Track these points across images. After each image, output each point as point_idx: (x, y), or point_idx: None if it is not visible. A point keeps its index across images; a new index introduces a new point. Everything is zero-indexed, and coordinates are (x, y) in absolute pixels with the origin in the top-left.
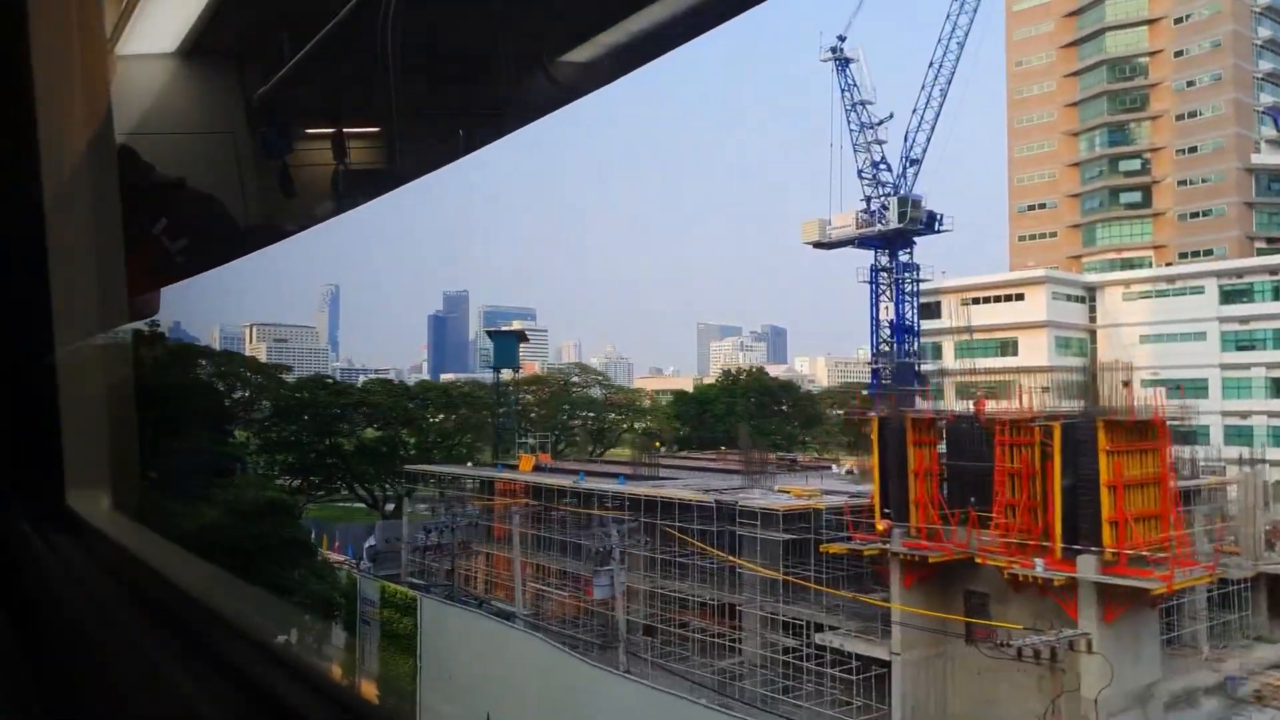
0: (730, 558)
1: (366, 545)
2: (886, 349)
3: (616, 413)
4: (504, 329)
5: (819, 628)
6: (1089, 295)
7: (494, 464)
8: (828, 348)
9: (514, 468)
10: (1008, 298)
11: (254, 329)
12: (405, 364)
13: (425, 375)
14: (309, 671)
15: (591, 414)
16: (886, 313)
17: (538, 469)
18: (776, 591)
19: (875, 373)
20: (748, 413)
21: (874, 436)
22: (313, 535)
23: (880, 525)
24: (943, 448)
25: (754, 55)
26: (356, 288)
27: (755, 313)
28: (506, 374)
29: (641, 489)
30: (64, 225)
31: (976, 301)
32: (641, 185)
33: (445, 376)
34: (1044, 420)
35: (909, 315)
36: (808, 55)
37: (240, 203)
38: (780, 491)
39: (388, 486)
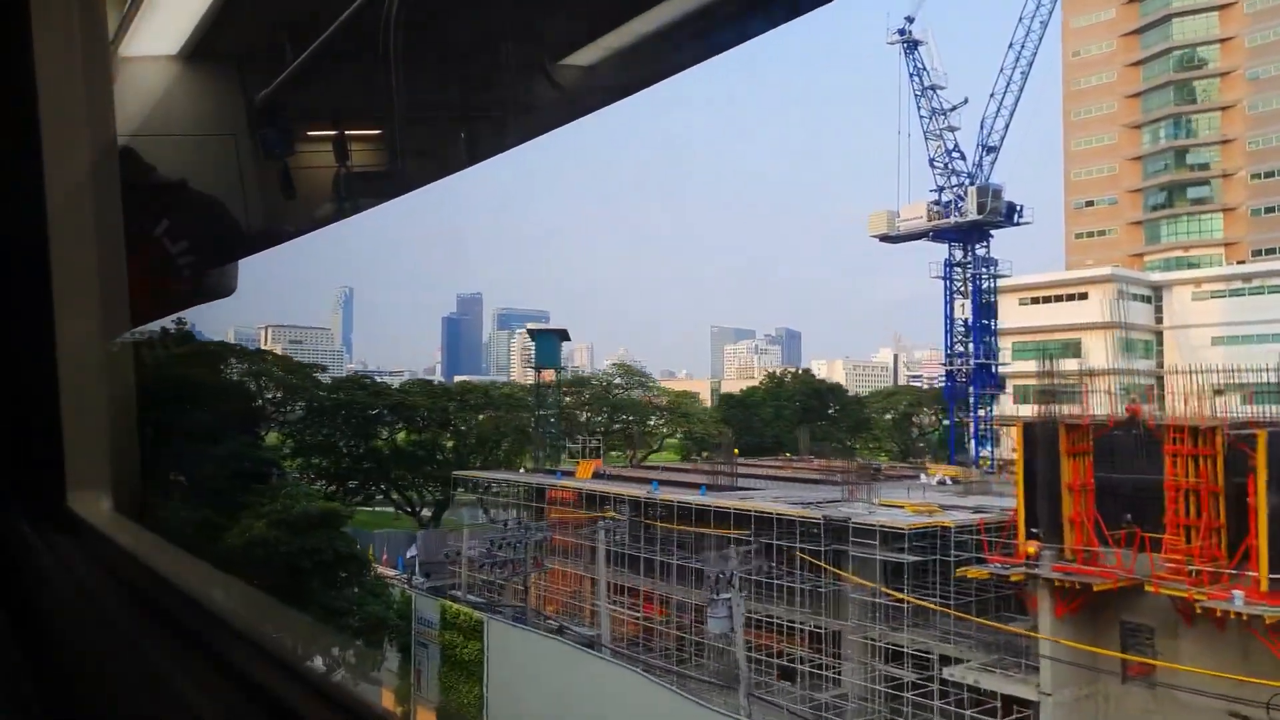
0: (866, 581)
1: (408, 555)
2: (961, 349)
3: (658, 416)
4: (545, 327)
5: (945, 660)
6: (1155, 295)
7: (551, 470)
8: (843, 351)
9: (568, 474)
10: (1069, 297)
11: (269, 330)
12: (419, 366)
13: (439, 377)
14: (311, 675)
15: (633, 417)
16: (961, 311)
17: (597, 476)
18: (891, 619)
19: (950, 375)
20: (796, 417)
21: (1018, 444)
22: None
23: (1029, 547)
24: None
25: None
26: (370, 290)
27: (768, 316)
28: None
29: (730, 501)
30: (66, 227)
31: (1035, 301)
32: (652, 188)
33: (458, 377)
34: (1234, 428)
35: (985, 313)
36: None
37: (243, 205)
38: (885, 505)
39: (426, 492)
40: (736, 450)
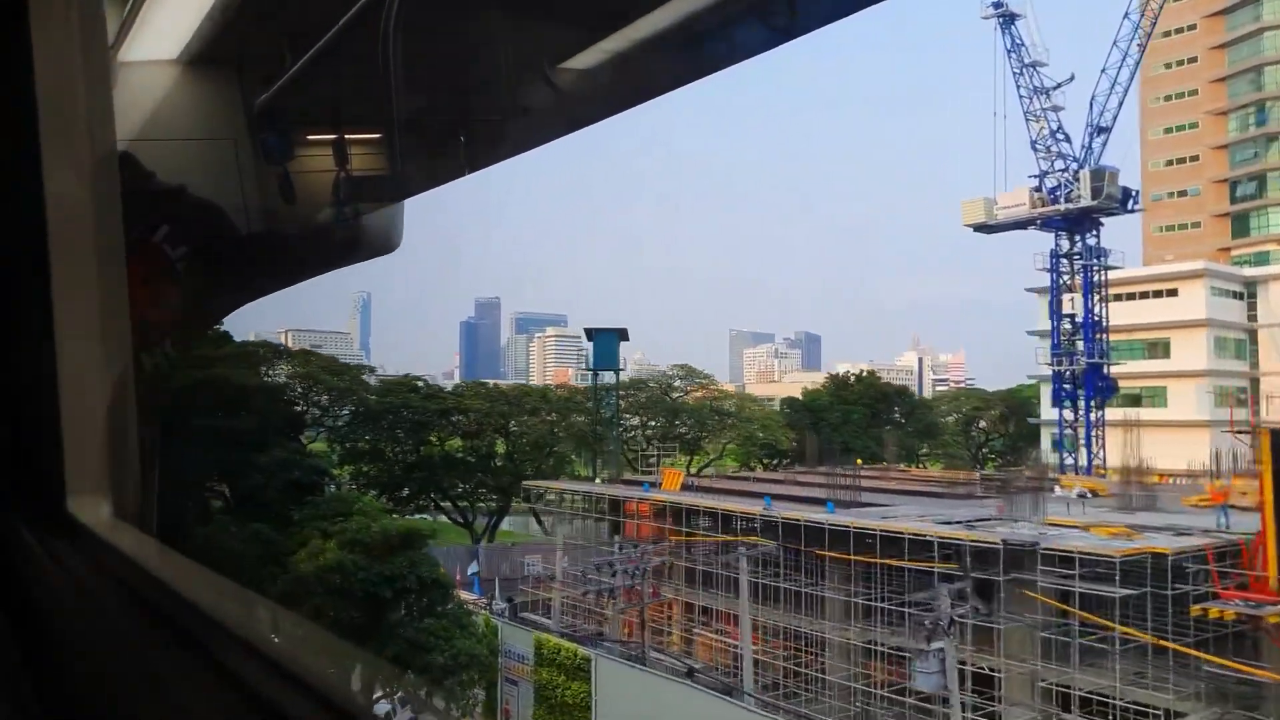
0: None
1: (469, 573)
2: (1069, 348)
3: (717, 420)
4: (604, 326)
5: (1172, 715)
6: (1248, 291)
7: (634, 480)
8: (862, 354)
9: (638, 482)
10: (1157, 293)
11: (290, 334)
12: (438, 370)
13: (458, 381)
14: (313, 681)
15: (693, 421)
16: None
17: (685, 488)
18: (1062, 657)
19: (1058, 376)
20: (864, 421)
21: (1264, 455)
22: None
23: None
24: None
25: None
26: (387, 293)
27: (786, 319)
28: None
29: (871, 522)
30: (65, 231)
31: (1119, 298)
32: (667, 190)
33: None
34: None
35: (1097, 308)
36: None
37: (244, 209)
38: (1054, 525)
39: (481, 502)
40: (861, 461)
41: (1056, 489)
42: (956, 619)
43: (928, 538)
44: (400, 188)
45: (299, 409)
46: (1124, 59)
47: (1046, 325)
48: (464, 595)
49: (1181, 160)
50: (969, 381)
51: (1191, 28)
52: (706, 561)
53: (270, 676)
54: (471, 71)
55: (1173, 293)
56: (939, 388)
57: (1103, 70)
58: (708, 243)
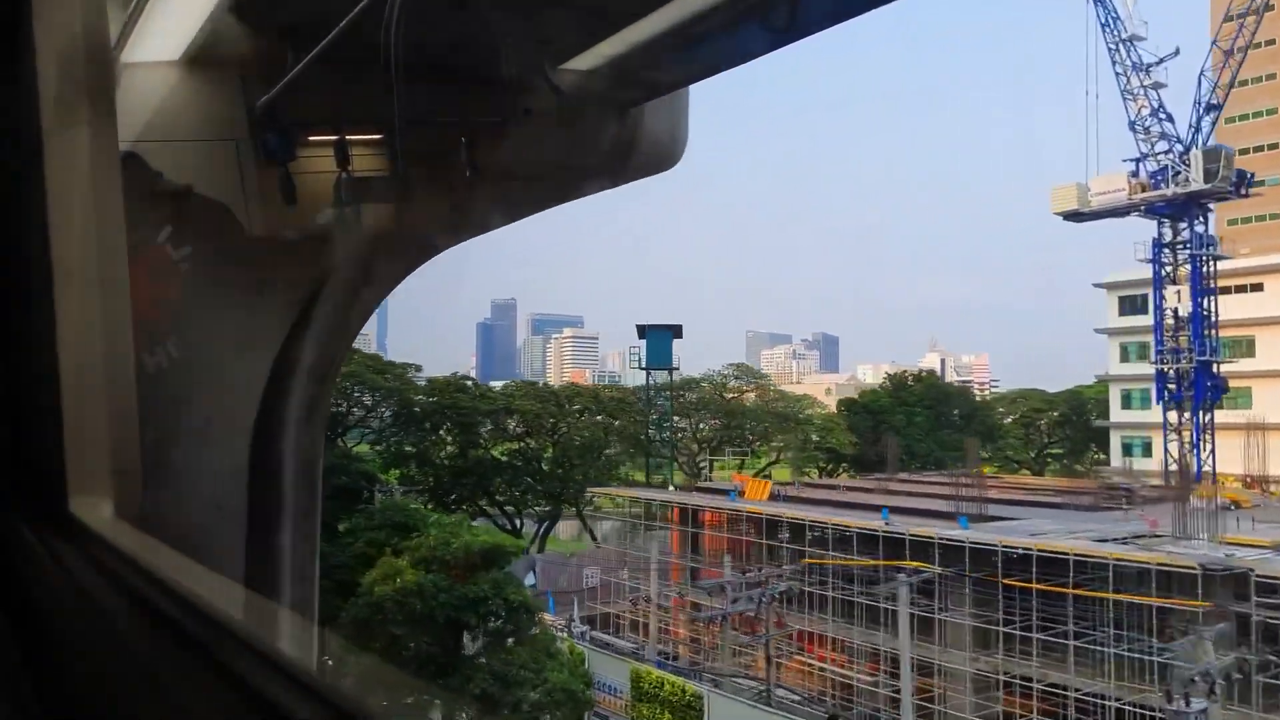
0: None
1: (526, 585)
2: (1175, 345)
3: (776, 423)
4: (656, 324)
5: None
6: None
7: (717, 487)
8: (876, 355)
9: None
10: (1240, 288)
11: None
12: (456, 371)
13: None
14: (312, 681)
15: (752, 423)
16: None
17: (773, 498)
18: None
19: (1161, 375)
20: (927, 424)
21: None
22: None
23: None
24: None
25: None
26: (402, 295)
27: (801, 320)
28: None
29: (1023, 540)
30: (68, 231)
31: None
32: (682, 191)
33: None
34: None
35: (1205, 301)
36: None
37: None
38: (1233, 543)
39: (529, 507)
40: (819, 465)
41: (1191, 499)
42: (1217, 674)
43: (1100, 559)
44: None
45: (339, 408)
46: (1239, 28)
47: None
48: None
49: (1260, 149)
50: (994, 384)
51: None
52: (836, 586)
53: (270, 676)
54: (472, 72)
55: (1258, 287)
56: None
57: (1212, 42)
58: (722, 243)
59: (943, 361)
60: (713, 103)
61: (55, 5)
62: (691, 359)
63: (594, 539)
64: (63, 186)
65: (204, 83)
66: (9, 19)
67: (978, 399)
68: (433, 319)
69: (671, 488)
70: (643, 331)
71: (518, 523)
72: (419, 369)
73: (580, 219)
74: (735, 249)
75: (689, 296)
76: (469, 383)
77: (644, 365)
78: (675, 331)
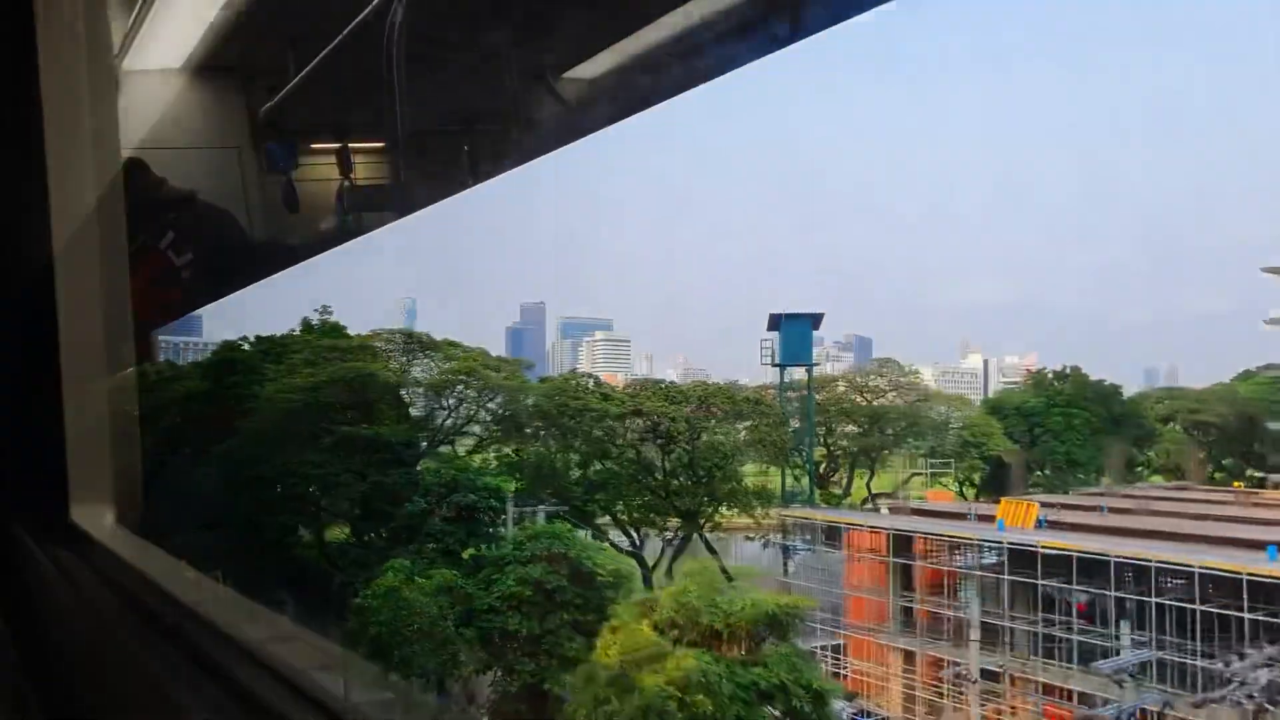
0: None
1: None
2: None
3: (930, 427)
4: (794, 312)
5: None
6: None
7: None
8: (914, 356)
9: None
10: None
11: None
12: (576, 367)
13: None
14: (308, 687)
15: (903, 427)
16: None
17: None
18: None
19: None
20: (1087, 428)
21: None
22: None
23: None
24: None
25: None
26: (431, 298)
27: (833, 321)
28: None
29: None
30: (71, 240)
31: None
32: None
33: None
34: None
35: None
36: None
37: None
38: None
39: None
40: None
41: None
42: None
43: None
44: (422, 195)
45: (448, 410)
46: None
47: None
48: None
49: None
50: (930, 388)
51: None
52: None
53: (268, 682)
54: (476, 78)
55: None
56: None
57: None
58: (741, 244)
59: (986, 362)
60: (742, 87)
61: (59, 13)
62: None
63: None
64: (66, 195)
65: (207, 90)
66: (14, 27)
67: (1127, 399)
68: (462, 323)
69: (883, 509)
70: (775, 321)
71: (639, 543)
72: (530, 365)
73: (591, 216)
74: (760, 251)
75: (713, 299)
76: (590, 381)
77: (777, 361)
78: (814, 321)
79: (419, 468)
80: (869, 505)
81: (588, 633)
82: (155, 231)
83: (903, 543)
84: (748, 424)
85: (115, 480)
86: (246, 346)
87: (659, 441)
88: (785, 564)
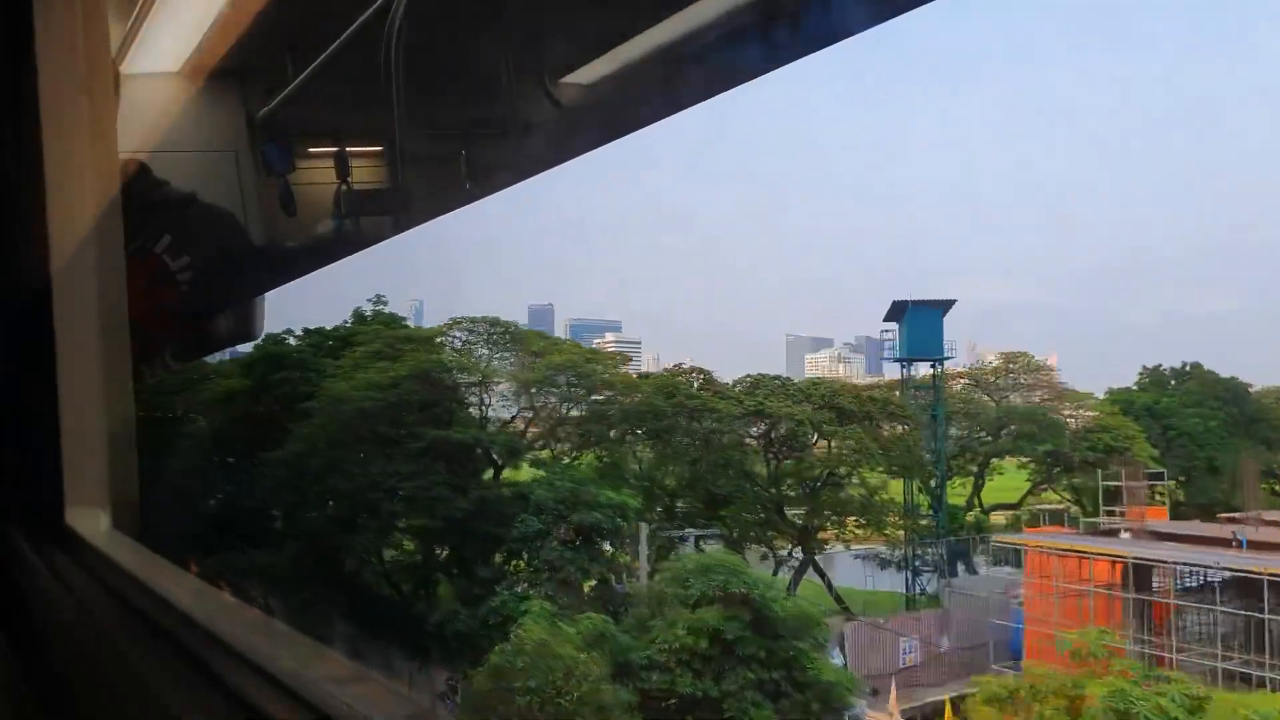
0: None
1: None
2: None
3: (1047, 429)
4: (920, 299)
5: None
6: None
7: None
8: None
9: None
10: None
11: None
12: (681, 362)
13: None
14: (306, 694)
15: (1036, 429)
16: None
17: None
18: None
19: None
20: (1223, 430)
21: None
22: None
23: None
24: None
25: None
26: (440, 300)
27: (841, 324)
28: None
29: None
30: (67, 243)
31: None
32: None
33: None
34: None
35: None
36: None
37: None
38: None
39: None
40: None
41: None
42: None
43: None
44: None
45: (540, 409)
46: None
47: None
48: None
49: None
50: (1063, 385)
51: None
52: None
53: (264, 688)
54: (475, 82)
55: None
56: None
57: None
58: (749, 244)
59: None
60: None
61: (57, 16)
62: (735, 367)
63: (829, 590)
64: (63, 199)
65: (204, 93)
66: (11, 29)
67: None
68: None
69: (1125, 533)
70: (897, 310)
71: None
72: (627, 359)
73: (596, 216)
74: (769, 249)
75: (719, 302)
76: (699, 377)
77: (900, 355)
78: (945, 307)
79: (526, 479)
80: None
81: (774, 695)
82: (152, 235)
83: (1141, 573)
84: (878, 426)
85: (112, 484)
86: (292, 340)
87: (783, 446)
88: (915, 586)
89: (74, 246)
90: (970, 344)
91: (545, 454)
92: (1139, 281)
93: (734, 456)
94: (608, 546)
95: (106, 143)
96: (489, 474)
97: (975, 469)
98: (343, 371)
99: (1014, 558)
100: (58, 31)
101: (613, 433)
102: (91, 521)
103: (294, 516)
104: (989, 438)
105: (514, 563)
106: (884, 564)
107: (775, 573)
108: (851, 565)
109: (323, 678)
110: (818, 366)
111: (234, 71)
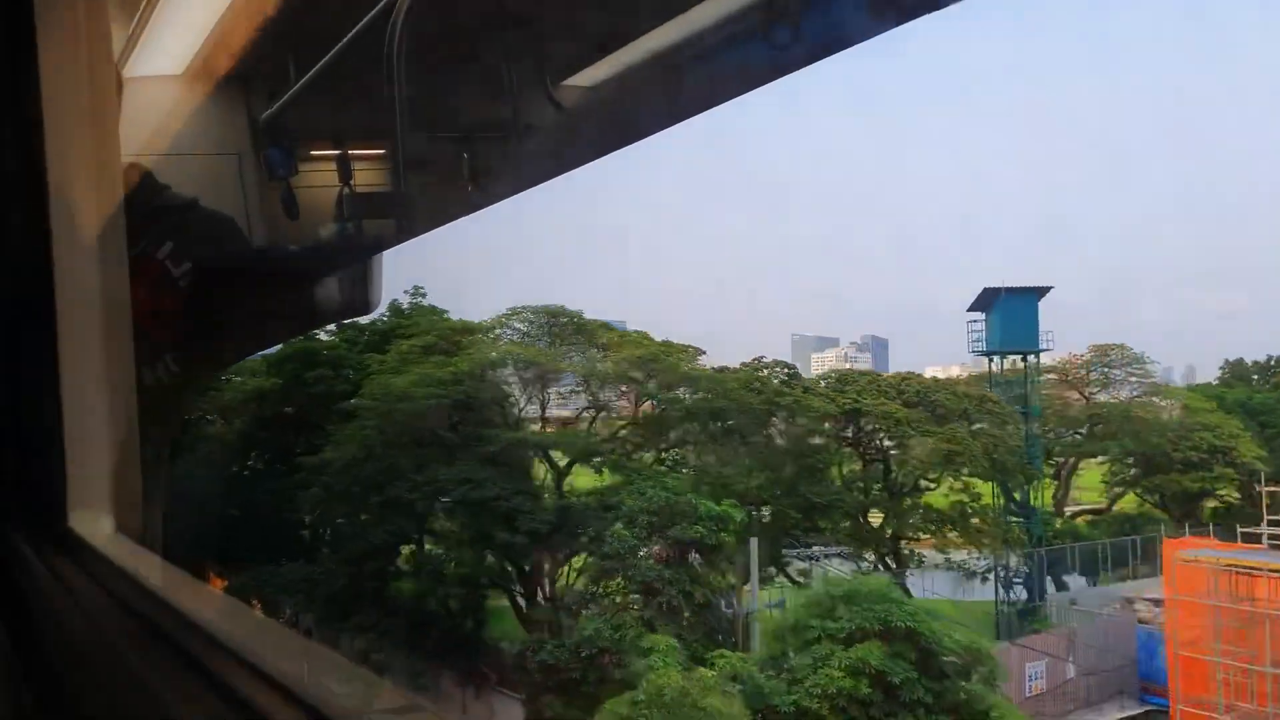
0: None
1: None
2: None
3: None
4: (1018, 285)
5: None
6: None
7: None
8: (933, 357)
9: None
10: None
11: None
12: (761, 356)
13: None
14: (306, 694)
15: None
16: None
17: None
18: None
19: None
20: None
21: None
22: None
23: None
24: None
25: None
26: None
27: (846, 324)
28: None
29: None
30: (70, 247)
31: None
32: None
33: None
34: None
35: None
36: None
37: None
38: None
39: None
40: None
41: None
42: None
43: None
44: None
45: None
46: None
47: None
48: None
49: None
50: (1158, 380)
51: None
52: None
53: (264, 690)
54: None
55: None
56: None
57: None
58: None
59: (1025, 359)
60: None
61: (58, 19)
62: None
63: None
64: (65, 202)
65: (207, 97)
66: (14, 33)
67: None
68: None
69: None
70: (987, 299)
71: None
72: (701, 352)
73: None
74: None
75: (717, 302)
76: (782, 372)
77: (991, 349)
78: (1040, 293)
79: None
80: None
81: None
82: (155, 239)
83: None
84: (976, 426)
85: (115, 488)
86: (323, 335)
87: (878, 447)
88: (1007, 599)
89: (77, 249)
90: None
91: (615, 456)
92: (1145, 281)
93: (832, 459)
94: (700, 562)
95: (109, 146)
96: (543, 478)
97: (1052, 470)
98: (387, 366)
99: (1125, 568)
100: (60, 35)
101: (699, 433)
102: (94, 525)
103: (346, 528)
104: (1078, 436)
105: (604, 583)
106: (970, 575)
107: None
108: (932, 576)
109: (323, 680)
110: (824, 366)
111: (237, 75)
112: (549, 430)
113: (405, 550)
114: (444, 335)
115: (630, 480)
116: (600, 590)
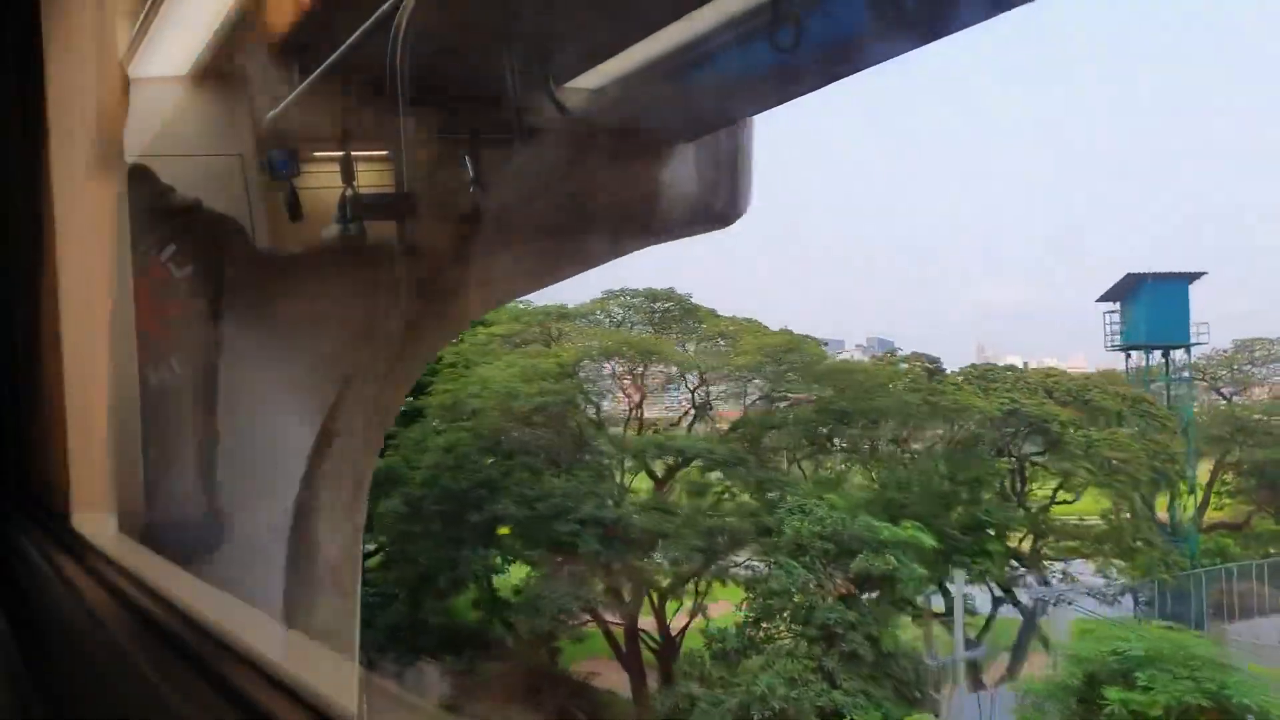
0: None
1: None
2: None
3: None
4: (1160, 272)
5: None
6: None
7: None
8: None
9: None
10: None
11: None
12: (897, 348)
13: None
14: (311, 697)
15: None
16: None
17: None
18: None
19: None
20: None
21: None
22: None
23: None
24: None
25: None
26: None
27: (848, 323)
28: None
29: None
30: (74, 248)
31: None
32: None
33: None
34: None
35: None
36: None
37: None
38: None
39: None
40: None
41: None
42: None
43: None
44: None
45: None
46: None
47: None
48: None
49: None
50: None
51: None
52: None
53: (268, 690)
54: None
55: None
56: None
57: None
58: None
59: (1025, 364)
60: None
61: (65, 20)
62: None
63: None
64: (70, 202)
65: (211, 98)
66: (21, 34)
67: None
68: None
69: None
70: (1127, 287)
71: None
72: (823, 343)
73: None
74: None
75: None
76: (924, 367)
77: (1132, 341)
78: (1190, 279)
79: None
80: None
81: None
82: (158, 242)
83: None
84: (1132, 430)
85: (118, 488)
86: None
87: (1026, 455)
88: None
89: (81, 251)
90: (979, 346)
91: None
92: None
93: (1003, 469)
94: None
95: (114, 144)
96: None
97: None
98: (461, 359)
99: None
100: (66, 36)
101: (859, 438)
102: (97, 525)
103: (428, 549)
104: (1230, 441)
105: (765, 626)
106: (1109, 600)
107: (991, 619)
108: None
109: (328, 681)
110: None
111: (241, 76)
112: (654, 433)
113: (511, 579)
114: (534, 321)
115: (781, 497)
116: (763, 635)
